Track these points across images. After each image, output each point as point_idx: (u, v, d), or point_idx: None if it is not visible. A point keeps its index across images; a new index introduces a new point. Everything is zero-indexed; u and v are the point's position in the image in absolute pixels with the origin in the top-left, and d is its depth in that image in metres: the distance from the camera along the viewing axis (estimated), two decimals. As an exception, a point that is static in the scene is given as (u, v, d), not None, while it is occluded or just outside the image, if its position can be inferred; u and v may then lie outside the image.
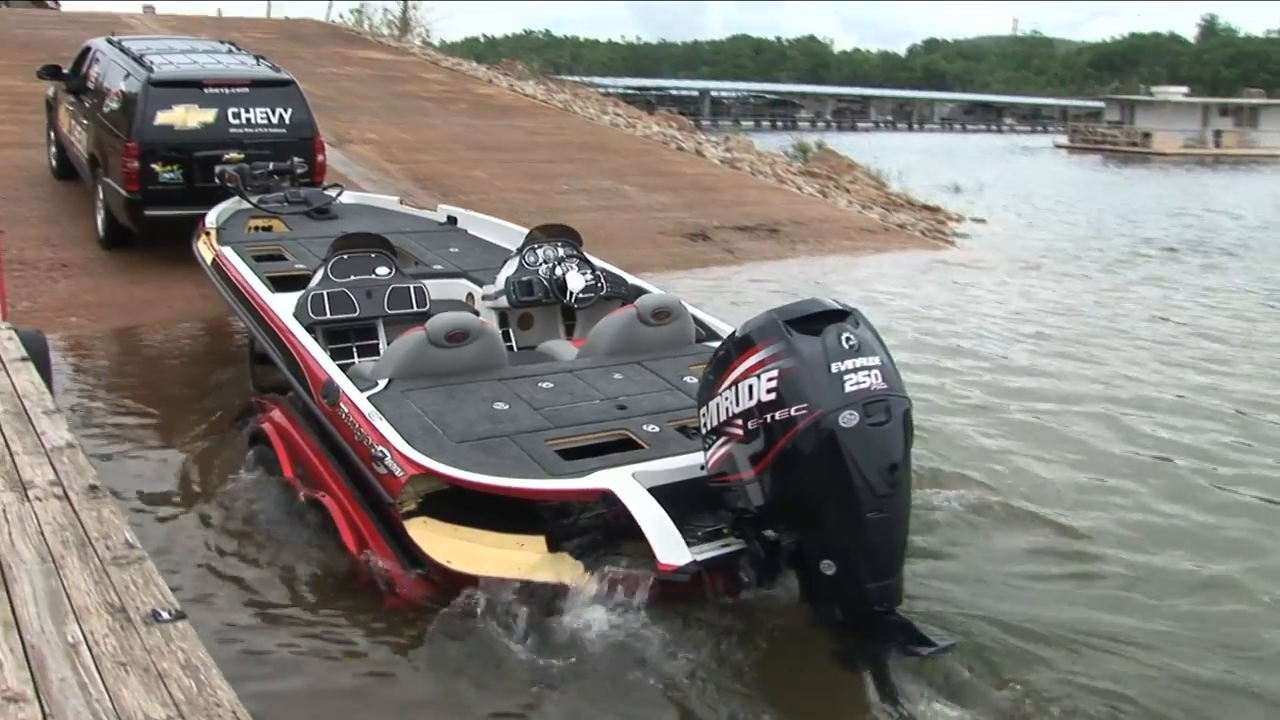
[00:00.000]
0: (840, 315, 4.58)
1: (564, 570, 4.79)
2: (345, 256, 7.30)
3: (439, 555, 4.91)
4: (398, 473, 5.11)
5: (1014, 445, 7.99)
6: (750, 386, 4.49)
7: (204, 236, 8.80)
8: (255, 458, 6.43)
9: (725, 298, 12.49)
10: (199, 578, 5.47)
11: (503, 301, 7.49)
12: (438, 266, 8.26)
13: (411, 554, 5.06)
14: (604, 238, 14.37)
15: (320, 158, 12.11)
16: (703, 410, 4.76)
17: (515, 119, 22.78)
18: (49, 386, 6.26)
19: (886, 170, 24.99)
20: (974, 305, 13.21)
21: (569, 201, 16.53)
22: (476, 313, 7.17)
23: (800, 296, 4.95)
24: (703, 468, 4.81)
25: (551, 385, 6.00)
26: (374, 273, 7.31)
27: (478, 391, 5.83)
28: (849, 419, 4.35)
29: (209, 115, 11.61)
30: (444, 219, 9.82)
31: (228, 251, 8.17)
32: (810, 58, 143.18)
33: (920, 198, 22.47)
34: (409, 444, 5.18)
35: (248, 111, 11.75)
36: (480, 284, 7.73)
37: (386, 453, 5.21)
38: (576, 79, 38.40)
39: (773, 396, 4.44)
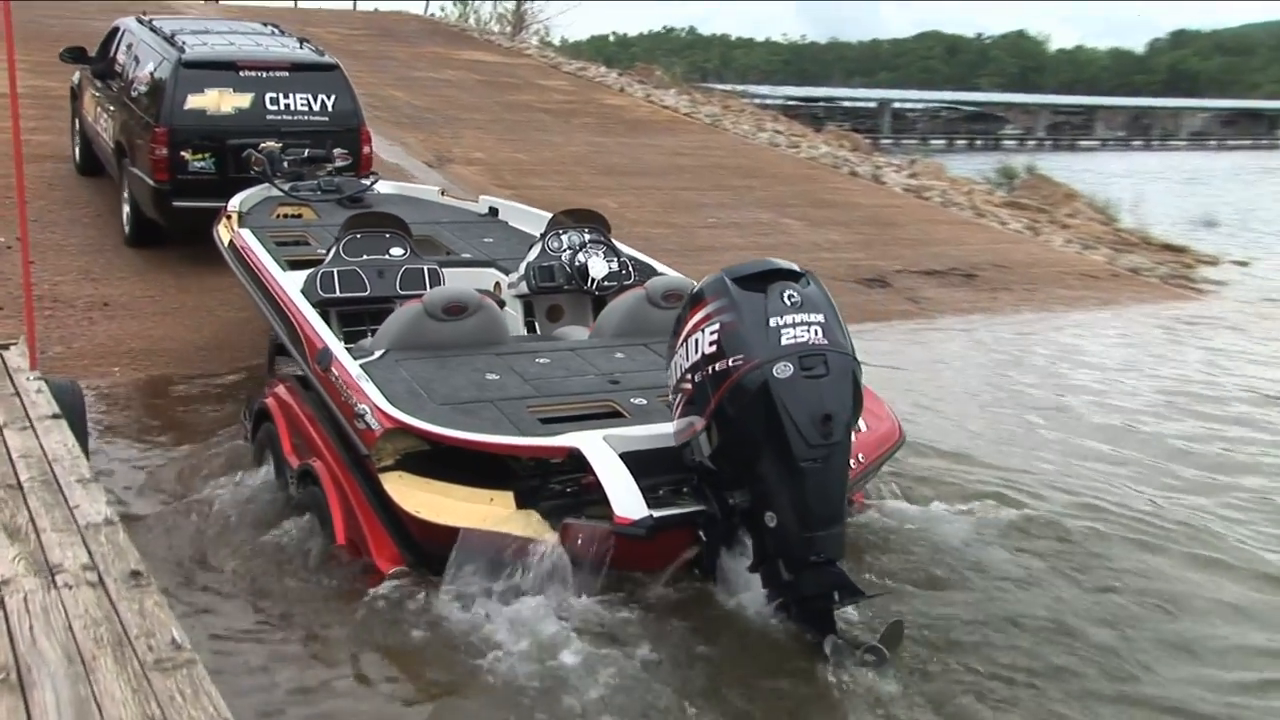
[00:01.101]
0: (790, 275, 5.70)
1: (529, 525, 5.86)
2: (359, 236, 8.65)
3: (410, 505, 6.02)
4: (374, 426, 6.30)
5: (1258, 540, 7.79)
6: (696, 341, 5.66)
7: (224, 220, 10.16)
8: (260, 443, 7.79)
9: (905, 357, 12.41)
10: (248, 681, 5.59)
11: (523, 288, 8.75)
12: (466, 255, 9.56)
13: (390, 510, 6.20)
14: (759, 282, 14.43)
15: (366, 150, 13.16)
16: (667, 371, 5.95)
17: (652, 136, 23.22)
18: (84, 449, 6.42)
19: (1116, 200, 24.60)
20: (1228, 372, 12.87)
21: (717, 237, 16.67)
22: (502, 303, 8.41)
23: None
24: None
25: (548, 361, 7.22)
26: (388, 253, 8.64)
27: (471, 363, 7.08)
28: (783, 370, 5.44)
29: (244, 100, 12.71)
30: (485, 210, 11.12)
31: (245, 233, 9.47)
32: (1019, 59, 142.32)
33: (1160, 235, 22.01)
34: (389, 402, 6.38)
35: (287, 97, 12.86)
36: (508, 273, 9.01)
37: (367, 409, 6.41)
38: (727, 88, 38.75)
39: (714, 349, 5.57)
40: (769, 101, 44.86)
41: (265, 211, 10.57)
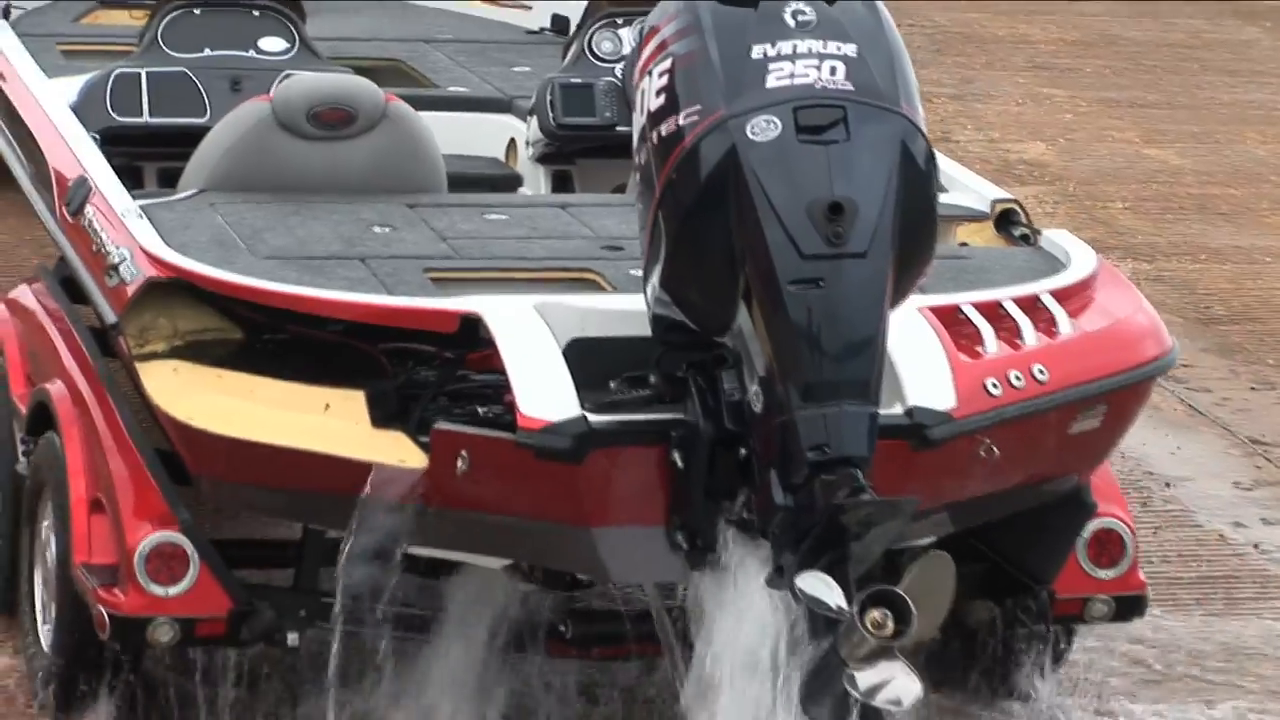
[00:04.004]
0: None
1: (383, 447, 4.00)
2: (195, 11, 5.92)
3: (178, 410, 4.12)
4: (131, 278, 4.33)
5: None
6: (644, 92, 4.01)
7: None
8: None
9: None
10: None
11: (535, 131, 5.86)
12: (457, 89, 6.49)
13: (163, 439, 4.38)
14: None
15: None
16: None
17: None
18: None
19: None
20: None
21: None
22: (519, 178, 5.98)
23: None
24: None
25: (504, 218, 5.06)
26: (253, 48, 5.88)
27: (354, 211, 4.88)
28: (764, 128, 3.72)
29: None
30: (546, 24, 7.50)
31: (3, 36, 6.54)
32: None
33: None
34: (166, 244, 4.40)
35: None
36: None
37: (127, 254, 4.42)
38: None
39: (662, 100, 3.91)
40: None
41: (67, 12, 7.33)
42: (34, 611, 4.74)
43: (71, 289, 5.24)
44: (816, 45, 3.75)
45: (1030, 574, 4.47)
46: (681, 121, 3.78)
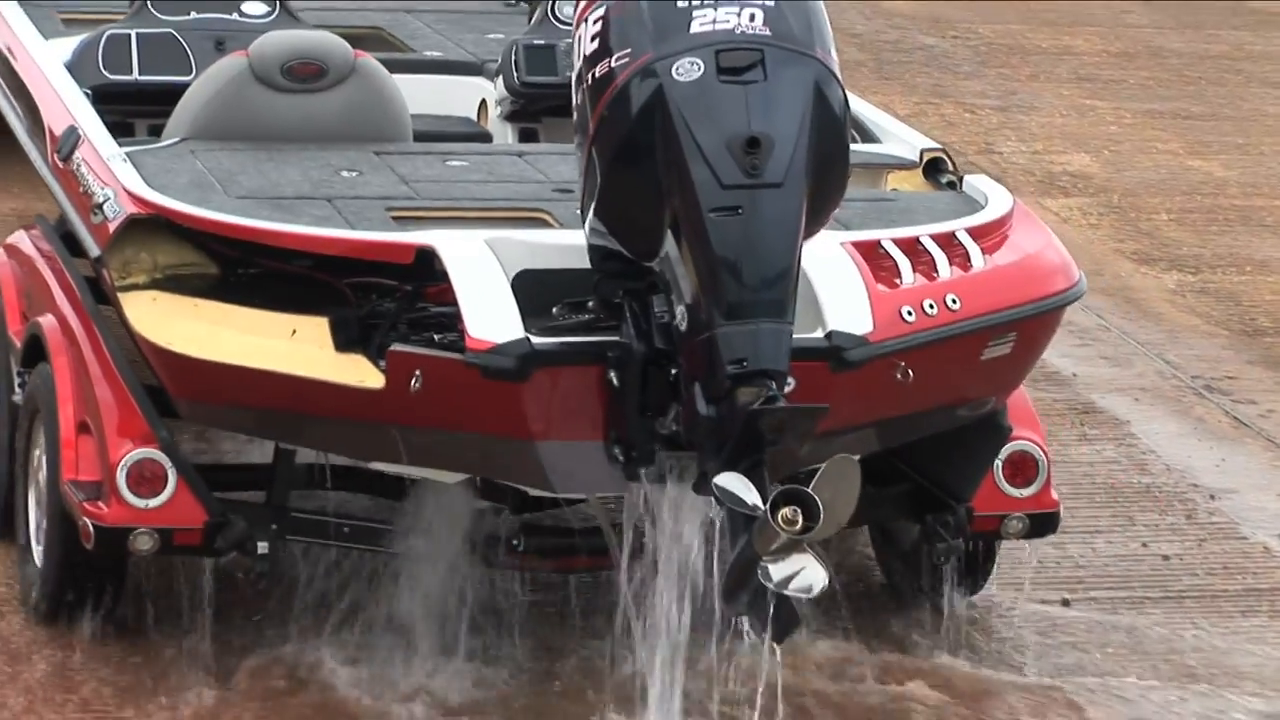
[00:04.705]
0: None
1: (345, 369, 4.32)
2: None
3: (159, 335, 4.45)
4: (113, 215, 4.66)
5: None
6: (580, 39, 4.35)
7: None
8: None
9: None
10: None
11: (501, 89, 6.15)
12: (432, 54, 6.86)
13: (145, 365, 4.67)
14: None
15: None
16: None
17: None
18: None
19: None
20: None
21: None
22: (489, 135, 6.27)
23: None
24: None
25: (465, 164, 5.35)
26: (236, 11, 6.21)
27: (323, 157, 5.20)
28: (687, 69, 4.03)
29: None
30: None
31: (6, 3, 6.74)
32: None
33: None
34: (146, 184, 4.74)
35: None
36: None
37: (110, 195, 4.75)
38: None
39: (595, 45, 4.24)
40: None
41: None
42: (28, 530, 5.01)
43: (70, 244, 5.52)
44: None
45: (950, 492, 4.73)
46: (613, 64, 4.10)
